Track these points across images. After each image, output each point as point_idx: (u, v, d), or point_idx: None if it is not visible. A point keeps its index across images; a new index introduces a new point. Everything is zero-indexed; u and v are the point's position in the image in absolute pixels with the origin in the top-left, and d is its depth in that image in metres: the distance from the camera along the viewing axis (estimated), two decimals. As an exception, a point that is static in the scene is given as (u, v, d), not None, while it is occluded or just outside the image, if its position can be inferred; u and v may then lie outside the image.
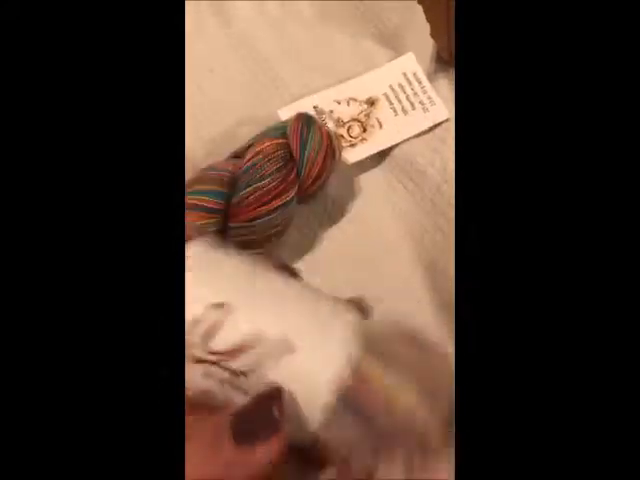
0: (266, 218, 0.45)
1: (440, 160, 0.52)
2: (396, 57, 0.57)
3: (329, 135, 0.48)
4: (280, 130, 0.47)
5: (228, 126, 0.55)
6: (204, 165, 0.47)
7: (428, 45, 0.57)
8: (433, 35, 0.54)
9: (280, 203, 0.45)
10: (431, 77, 0.56)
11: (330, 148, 0.47)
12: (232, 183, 0.45)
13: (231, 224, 0.45)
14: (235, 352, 0.28)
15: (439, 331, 0.45)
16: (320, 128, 0.47)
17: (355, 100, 0.55)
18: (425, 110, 0.54)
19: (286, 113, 0.54)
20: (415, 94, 0.55)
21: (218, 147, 0.53)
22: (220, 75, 0.57)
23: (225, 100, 0.56)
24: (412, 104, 0.55)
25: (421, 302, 0.48)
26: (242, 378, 0.28)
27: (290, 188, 0.45)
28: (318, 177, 0.47)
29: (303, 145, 0.46)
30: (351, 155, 0.52)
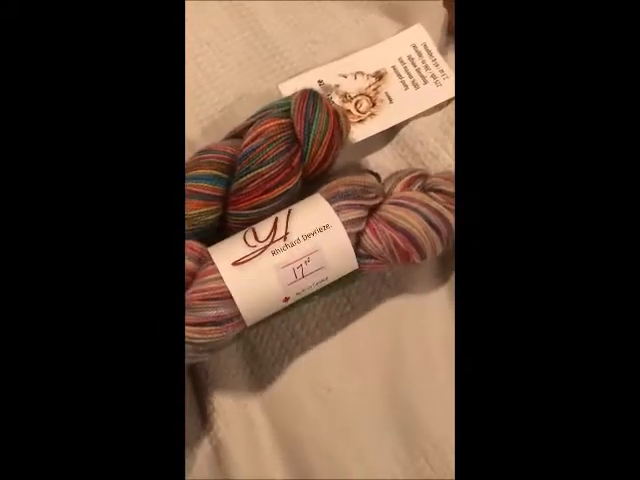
0: (268, 206, 0.42)
1: (452, 142, 0.49)
2: (404, 29, 0.54)
3: (336, 113, 0.44)
4: (283, 107, 0.44)
5: (226, 102, 0.52)
6: (201, 146, 0.45)
7: (439, 17, 0.54)
8: (447, 5, 0.51)
9: (283, 190, 0.42)
10: (443, 50, 0.53)
11: (337, 128, 0.44)
12: (232, 167, 0.42)
13: (231, 211, 0.43)
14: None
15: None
16: (327, 106, 0.44)
17: (362, 74, 0.52)
18: (438, 84, 0.51)
19: (288, 88, 0.51)
20: (426, 67, 0.52)
21: (215, 125, 0.51)
22: (218, 48, 0.54)
23: (223, 75, 0.53)
24: (423, 77, 0.52)
25: (431, 283, 0.47)
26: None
27: (294, 174, 0.42)
28: (324, 160, 0.44)
29: (309, 126, 0.43)
30: (360, 131, 0.50)
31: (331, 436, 0.43)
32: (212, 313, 0.39)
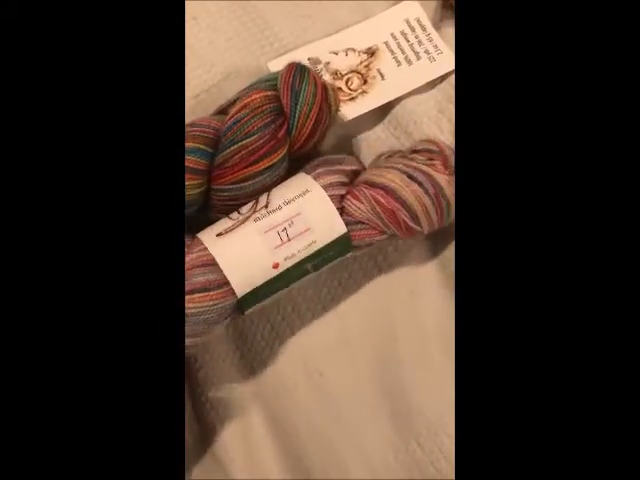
0: (253, 181, 0.41)
1: (447, 122, 0.48)
2: (397, 4, 0.53)
3: (325, 86, 0.44)
4: (270, 82, 0.43)
5: (213, 80, 0.51)
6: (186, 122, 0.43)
7: (433, -9, 0.53)
8: (441, -22, 0.50)
9: (269, 164, 0.41)
10: (437, 25, 0.52)
11: (326, 101, 0.43)
12: (216, 141, 0.42)
13: (215, 186, 0.42)
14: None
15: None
16: (315, 78, 0.43)
17: (353, 50, 0.51)
18: (431, 59, 0.50)
19: (277, 65, 0.49)
20: (420, 42, 0.51)
21: (202, 103, 0.50)
22: (204, 24, 0.53)
23: (210, 51, 0.52)
24: (417, 53, 0.50)
25: (424, 265, 0.47)
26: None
27: (280, 147, 0.41)
28: (312, 134, 0.43)
29: (295, 97, 0.42)
30: (351, 109, 0.48)
31: (323, 420, 0.43)
32: (199, 279, 0.39)
